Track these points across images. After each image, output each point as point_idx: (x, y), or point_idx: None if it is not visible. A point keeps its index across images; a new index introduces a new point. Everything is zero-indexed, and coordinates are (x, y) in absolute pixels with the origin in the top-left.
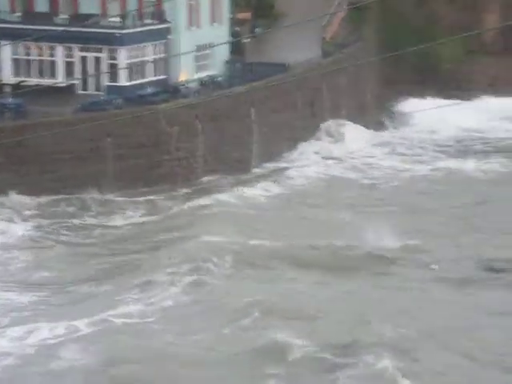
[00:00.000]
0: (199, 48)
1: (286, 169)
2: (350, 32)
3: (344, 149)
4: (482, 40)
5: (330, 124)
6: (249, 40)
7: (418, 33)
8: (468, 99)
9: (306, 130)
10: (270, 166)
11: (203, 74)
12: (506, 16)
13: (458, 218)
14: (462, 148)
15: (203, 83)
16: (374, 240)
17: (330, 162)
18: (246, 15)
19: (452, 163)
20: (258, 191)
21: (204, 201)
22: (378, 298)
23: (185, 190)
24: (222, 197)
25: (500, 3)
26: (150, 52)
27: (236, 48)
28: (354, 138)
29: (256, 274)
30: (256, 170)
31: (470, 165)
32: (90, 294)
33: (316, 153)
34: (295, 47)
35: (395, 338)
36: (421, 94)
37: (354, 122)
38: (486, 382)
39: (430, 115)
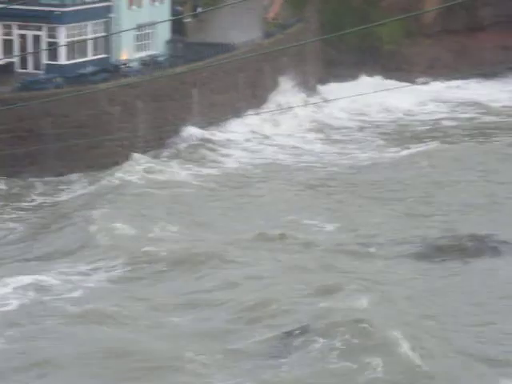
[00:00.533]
0: (140, 27)
1: (220, 149)
2: (291, 13)
3: (280, 130)
4: (422, 22)
5: (269, 106)
6: (190, 20)
7: (358, 14)
8: (407, 81)
9: (248, 111)
10: (208, 147)
11: (144, 54)
12: None
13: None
14: (396, 132)
15: (144, 63)
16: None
17: (266, 143)
18: None
19: (384, 148)
20: (189, 171)
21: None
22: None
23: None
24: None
25: None
26: (90, 31)
27: (178, 28)
28: (291, 119)
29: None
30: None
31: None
32: None
33: (253, 132)
34: (237, 27)
35: None
36: (361, 74)
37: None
38: None
39: (367, 97)
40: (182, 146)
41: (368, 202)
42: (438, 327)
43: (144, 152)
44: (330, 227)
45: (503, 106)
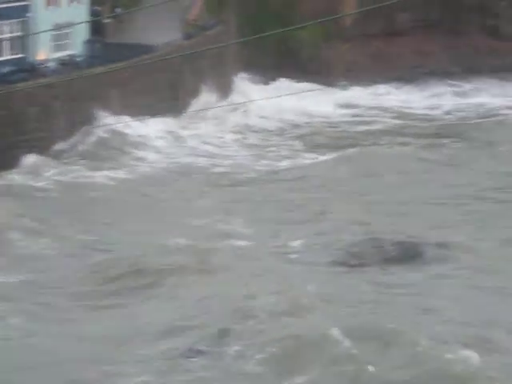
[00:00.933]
0: (58, 27)
1: (135, 151)
2: (212, 15)
3: (199, 132)
4: (341, 26)
5: (189, 107)
6: (110, 20)
7: (276, 17)
8: (326, 84)
9: (168, 113)
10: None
11: (62, 54)
12: (363, 2)
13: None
14: (315, 136)
15: (62, 63)
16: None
17: (183, 146)
18: None
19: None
20: (98, 173)
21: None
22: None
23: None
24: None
25: None
26: (6, 30)
27: (97, 28)
28: (211, 122)
29: None
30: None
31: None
32: None
33: (170, 134)
34: (157, 28)
35: None
36: (280, 76)
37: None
38: None
39: (286, 100)
40: (95, 146)
41: (284, 206)
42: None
43: (55, 153)
44: (243, 232)
45: (419, 111)
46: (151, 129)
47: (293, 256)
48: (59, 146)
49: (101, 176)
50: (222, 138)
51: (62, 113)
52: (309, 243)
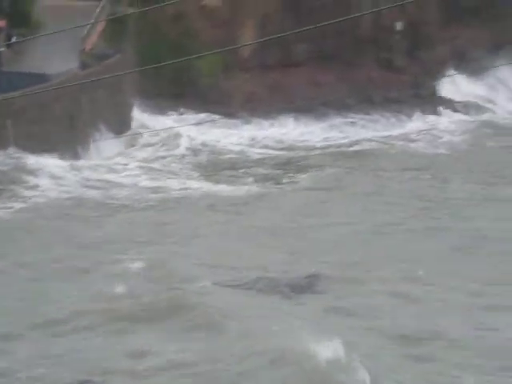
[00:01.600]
0: None
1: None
2: (109, 44)
3: (98, 162)
4: (240, 56)
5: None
6: (4, 49)
7: (175, 47)
8: (225, 115)
9: (66, 143)
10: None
11: None
12: (262, 33)
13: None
14: (215, 165)
15: None
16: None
17: (78, 177)
18: (1, 23)
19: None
20: None
21: None
22: None
23: None
24: None
25: (256, 20)
26: None
27: None
28: (110, 152)
29: None
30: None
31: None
32: None
33: (68, 164)
34: (53, 58)
35: None
36: (179, 107)
37: (114, 137)
38: None
39: (185, 130)
40: None
41: (186, 241)
42: None
43: None
44: (134, 266)
45: (313, 143)
46: (48, 160)
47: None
48: None
49: None
50: (120, 167)
51: None
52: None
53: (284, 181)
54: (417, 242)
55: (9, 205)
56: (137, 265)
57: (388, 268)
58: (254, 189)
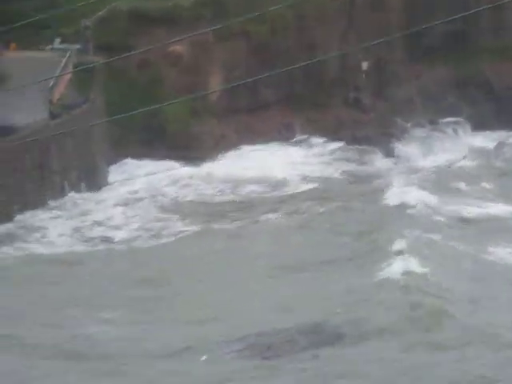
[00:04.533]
0: None
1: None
2: (78, 94)
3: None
4: (207, 101)
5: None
6: None
7: (143, 94)
8: (196, 160)
9: (36, 194)
10: None
11: None
12: (229, 77)
13: None
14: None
15: None
16: None
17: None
18: None
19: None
20: None
21: None
22: None
23: None
24: None
25: (222, 65)
26: None
27: None
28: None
29: None
30: None
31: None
32: None
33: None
34: (21, 110)
35: None
36: (146, 154)
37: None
38: None
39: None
40: None
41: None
42: None
43: None
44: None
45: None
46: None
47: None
48: None
49: None
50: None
51: None
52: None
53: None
54: None
55: None
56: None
57: None
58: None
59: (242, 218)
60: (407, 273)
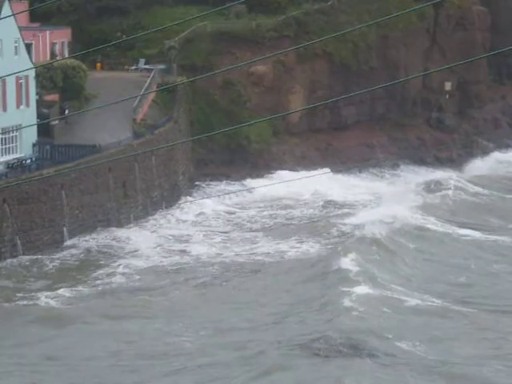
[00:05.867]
0: (5, 131)
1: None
2: (160, 113)
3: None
4: (289, 121)
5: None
6: (58, 122)
7: (226, 114)
8: (277, 179)
9: (119, 212)
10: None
11: (10, 157)
12: (310, 97)
13: None
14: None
15: (10, 166)
16: None
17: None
18: (54, 97)
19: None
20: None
21: None
22: None
23: None
24: None
25: (303, 86)
26: None
27: (45, 130)
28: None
29: None
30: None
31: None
32: None
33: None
34: (106, 129)
35: None
36: (227, 173)
37: (166, 205)
38: None
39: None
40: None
41: None
42: None
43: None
44: None
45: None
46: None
47: None
48: (13, 249)
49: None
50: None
51: (11, 216)
52: None
53: None
54: None
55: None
56: None
57: None
58: None
59: (312, 235)
60: None
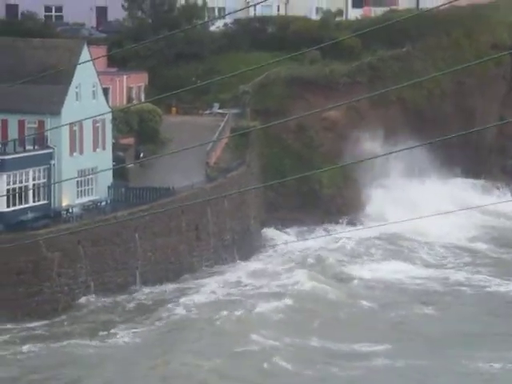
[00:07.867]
0: (81, 173)
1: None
2: (233, 157)
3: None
4: (360, 166)
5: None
6: (132, 165)
7: (298, 158)
8: (350, 225)
9: (191, 255)
10: (154, 291)
11: (86, 199)
12: (383, 144)
13: None
14: None
15: (86, 208)
16: None
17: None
18: (130, 140)
19: None
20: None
21: None
22: None
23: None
24: None
25: (376, 132)
26: (30, 177)
27: (120, 172)
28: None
29: None
30: (136, 295)
31: None
32: None
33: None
34: (179, 172)
35: None
36: (299, 218)
37: (238, 248)
38: None
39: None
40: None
41: None
42: None
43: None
44: None
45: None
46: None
47: None
48: (86, 289)
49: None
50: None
51: (85, 258)
52: None
53: None
54: None
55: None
56: None
57: None
58: None
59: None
60: None
